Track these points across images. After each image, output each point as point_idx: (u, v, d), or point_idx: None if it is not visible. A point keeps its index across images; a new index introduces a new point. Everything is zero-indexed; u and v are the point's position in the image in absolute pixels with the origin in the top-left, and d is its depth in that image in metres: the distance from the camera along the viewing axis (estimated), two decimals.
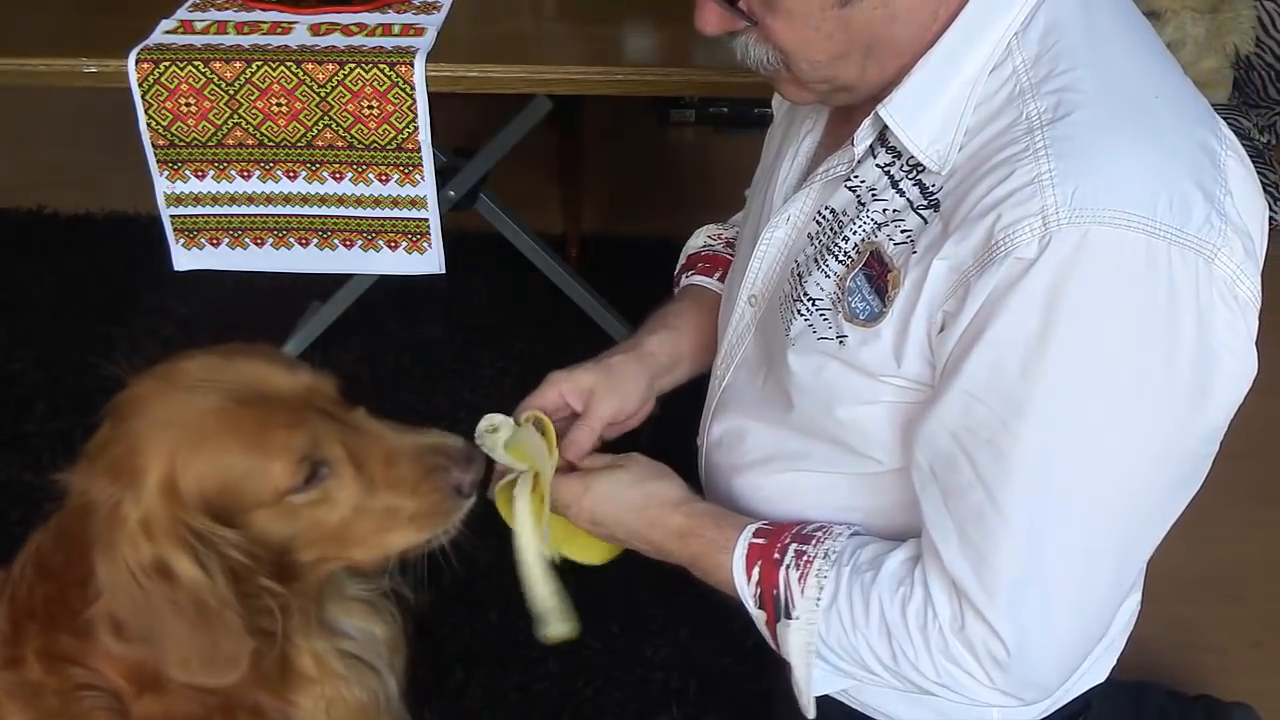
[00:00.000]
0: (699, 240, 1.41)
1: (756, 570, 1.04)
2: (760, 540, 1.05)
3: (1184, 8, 2.82)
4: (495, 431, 1.10)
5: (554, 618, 1.09)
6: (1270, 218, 0.94)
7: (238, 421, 0.97)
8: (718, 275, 1.35)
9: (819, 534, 1.04)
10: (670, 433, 1.28)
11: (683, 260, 1.41)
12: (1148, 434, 0.89)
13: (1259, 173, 0.97)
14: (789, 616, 1.01)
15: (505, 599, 1.82)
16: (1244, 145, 0.95)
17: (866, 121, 0.99)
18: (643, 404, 1.23)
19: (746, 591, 1.04)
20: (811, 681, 1.03)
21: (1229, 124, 0.95)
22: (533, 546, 1.09)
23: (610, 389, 1.19)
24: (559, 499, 1.11)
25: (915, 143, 0.95)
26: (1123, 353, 0.86)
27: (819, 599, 1.00)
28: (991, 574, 0.91)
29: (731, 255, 1.36)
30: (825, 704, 1.17)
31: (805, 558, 1.02)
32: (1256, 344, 0.91)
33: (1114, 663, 1.19)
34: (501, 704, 1.71)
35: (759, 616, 1.04)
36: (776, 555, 1.03)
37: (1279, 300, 0.96)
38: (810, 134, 1.15)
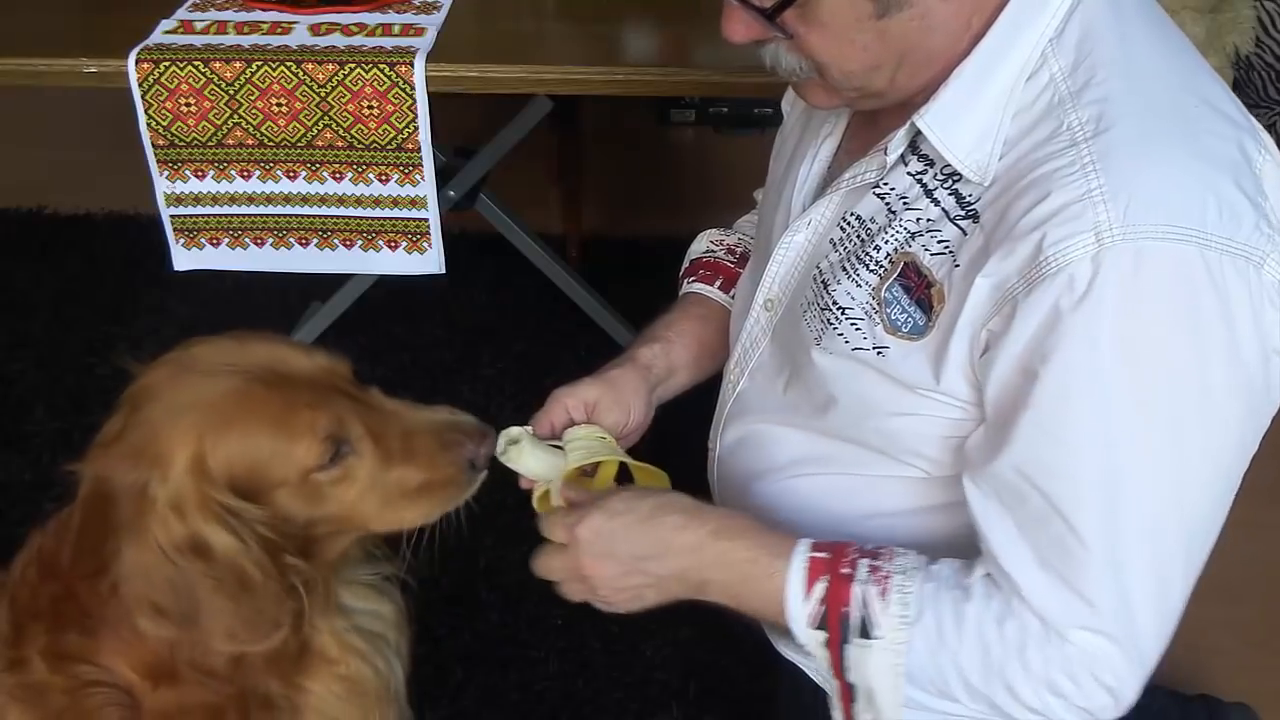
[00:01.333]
0: (701, 245, 1.40)
1: (821, 586, 0.96)
2: (821, 554, 0.98)
3: (1184, 8, 2.81)
4: (517, 443, 1.11)
5: None
6: None
7: (263, 403, 0.98)
8: (718, 283, 1.34)
9: (885, 551, 0.98)
10: (673, 438, 1.28)
11: (685, 265, 1.40)
12: (1221, 442, 0.90)
13: None
14: (868, 636, 0.95)
15: (505, 599, 1.83)
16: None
17: (901, 131, 0.98)
18: (645, 416, 1.22)
19: (802, 610, 0.97)
20: (900, 705, 0.97)
21: None
22: None
23: (613, 401, 1.18)
24: (554, 538, 1.04)
25: (954, 152, 0.94)
26: (1189, 367, 0.87)
27: (905, 614, 0.94)
28: (1081, 601, 0.90)
29: (733, 262, 1.35)
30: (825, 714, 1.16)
31: (881, 572, 0.96)
32: None
33: None
34: (501, 704, 1.71)
35: (815, 638, 0.97)
36: (845, 570, 0.96)
37: None
38: (830, 138, 1.14)
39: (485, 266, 2.45)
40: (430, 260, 1.86)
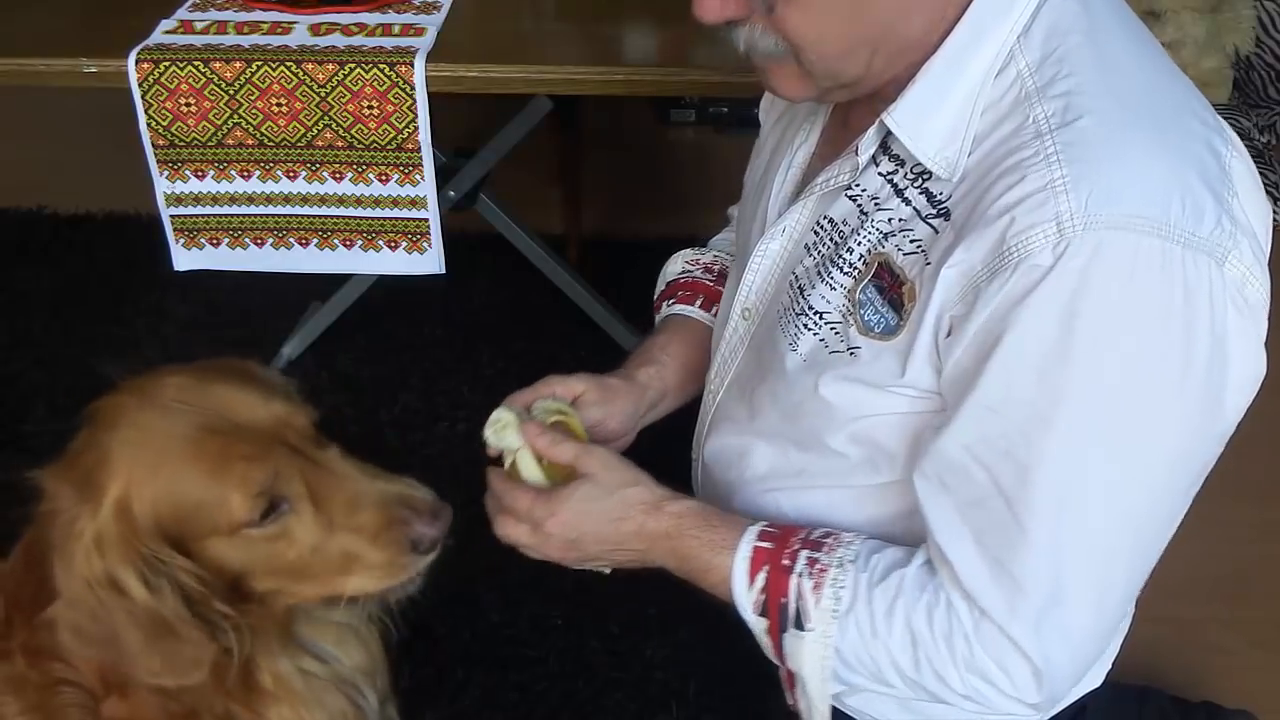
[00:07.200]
0: (677, 266, 1.39)
1: (763, 576, 1.00)
2: (766, 544, 1.01)
3: (1184, 8, 2.81)
4: (506, 428, 1.11)
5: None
6: (1274, 218, 0.95)
7: (200, 449, 0.96)
8: (699, 303, 1.33)
9: (829, 540, 1.01)
10: (665, 445, 1.28)
11: (662, 287, 1.39)
12: (1166, 439, 0.89)
13: (1259, 173, 0.97)
14: (800, 628, 0.98)
15: (505, 599, 1.82)
16: (1244, 145, 0.95)
17: (871, 130, 0.98)
18: (625, 430, 1.22)
19: (746, 598, 1.01)
20: (826, 696, 1.00)
21: (1229, 124, 0.95)
22: None
23: (599, 400, 1.18)
24: (517, 513, 1.07)
25: (924, 150, 0.94)
26: (1140, 358, 0.86)
27: (835, 609, 0.97)
28: (1013, 585, 0.91)
29: (711, 280, 1.35)
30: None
31: (819, 565, 0.98)
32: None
33: (1109, 667, 1.18)
34: (501, 704, 1.71)
35: (759, 624, 1.01)
36: (786, 561, 0.99)
37: (1278, 299, 0.97)
38: (804, 145, 1.14)
39: (485, 266, 2.45)
40: (430, 260, 1.86)
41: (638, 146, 3.15)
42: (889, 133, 0.97)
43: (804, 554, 1.00)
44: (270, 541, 0.99)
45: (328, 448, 1.04)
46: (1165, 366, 0.87)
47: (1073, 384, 0.86)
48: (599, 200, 2.76)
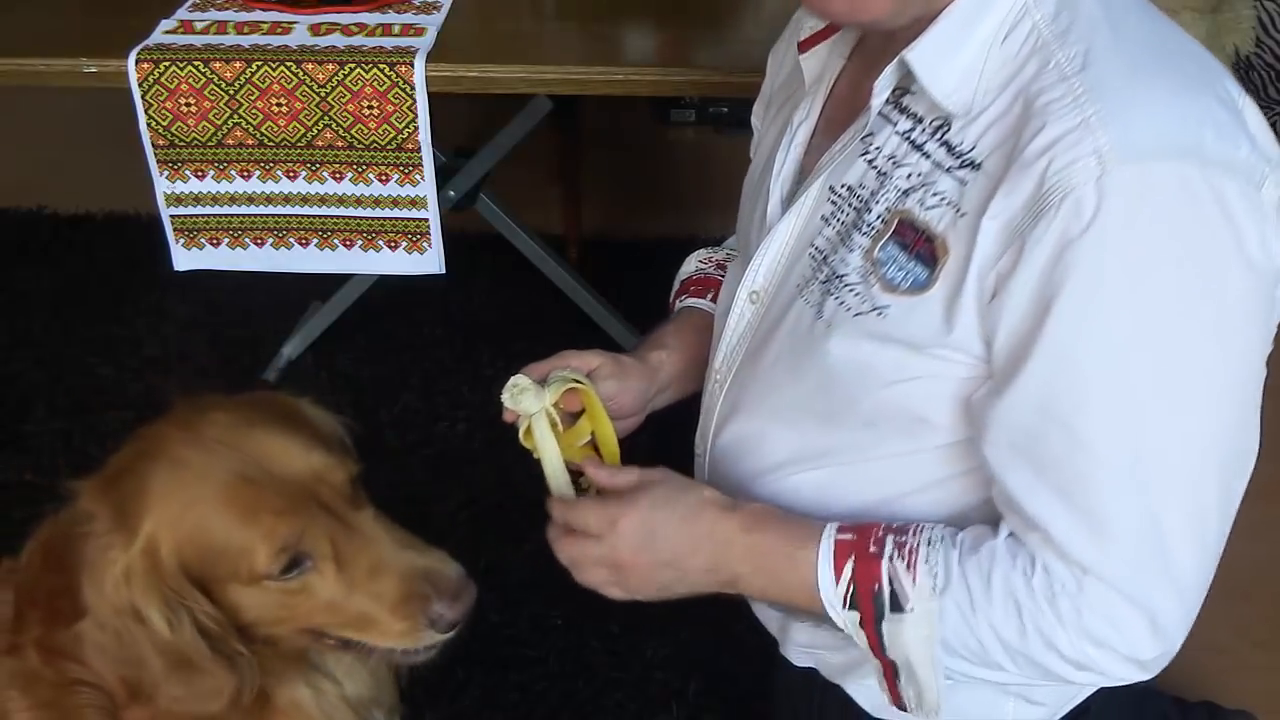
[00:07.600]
0: (690, 266, 1.40)
1: (849, 567, 0.98)
2: (848, 536, 1.00)
3: (1184, 8, 2.81)
4: (523, 392, 1.12)
5: None
6: None
7: (232, 496, 0.97)
8: (710, 296, 1.33)
9: (910, 525, 0.99)
10: (660, 441, 1.28)
11: (676, 286, 1.40)
12: (1236, 361, 0.90)
13: None
14: (900, 610, 0.96)
15: (505, 599, 1.82)
16: None
17: (889, 69, 0.97)
18: (637, 409, 1.22)
19: (834, 593, 0.99)
20: (938, 676, 0.97)
21: None
22: (560, 473, 1.11)
23: (613, 375, 1.18)
24: (588, 528, 1.05)
25: (940, 88, 0.94)
26: (1200, 284, 0.87)
27: (934, 586, 0.95)
28: (1110, 536, 0.90)
29: (722, 276, 1.34)
30: (835, 706, 1.16)
31: (907, 546, 0.97)
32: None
33: None
34: (501, 704, 1.71)
35: (851, 619, 0.99)
36: (873, 549, 0.98)
37: None
38: (805, 123, 1.13)
39: (485, 266, 2.45)
40: (430, 260, 1.86)
41: (638, 146, 3.14)
42: (903, 90, 0.97)
43: (890, 538, 0.98)
44: (289, 595, 1.00)
45: (363, 507, 1.05)
46: (1225, 288, 0.87)
47: (1139, 325, 0.87)
48: (599, 200, 2.76)
